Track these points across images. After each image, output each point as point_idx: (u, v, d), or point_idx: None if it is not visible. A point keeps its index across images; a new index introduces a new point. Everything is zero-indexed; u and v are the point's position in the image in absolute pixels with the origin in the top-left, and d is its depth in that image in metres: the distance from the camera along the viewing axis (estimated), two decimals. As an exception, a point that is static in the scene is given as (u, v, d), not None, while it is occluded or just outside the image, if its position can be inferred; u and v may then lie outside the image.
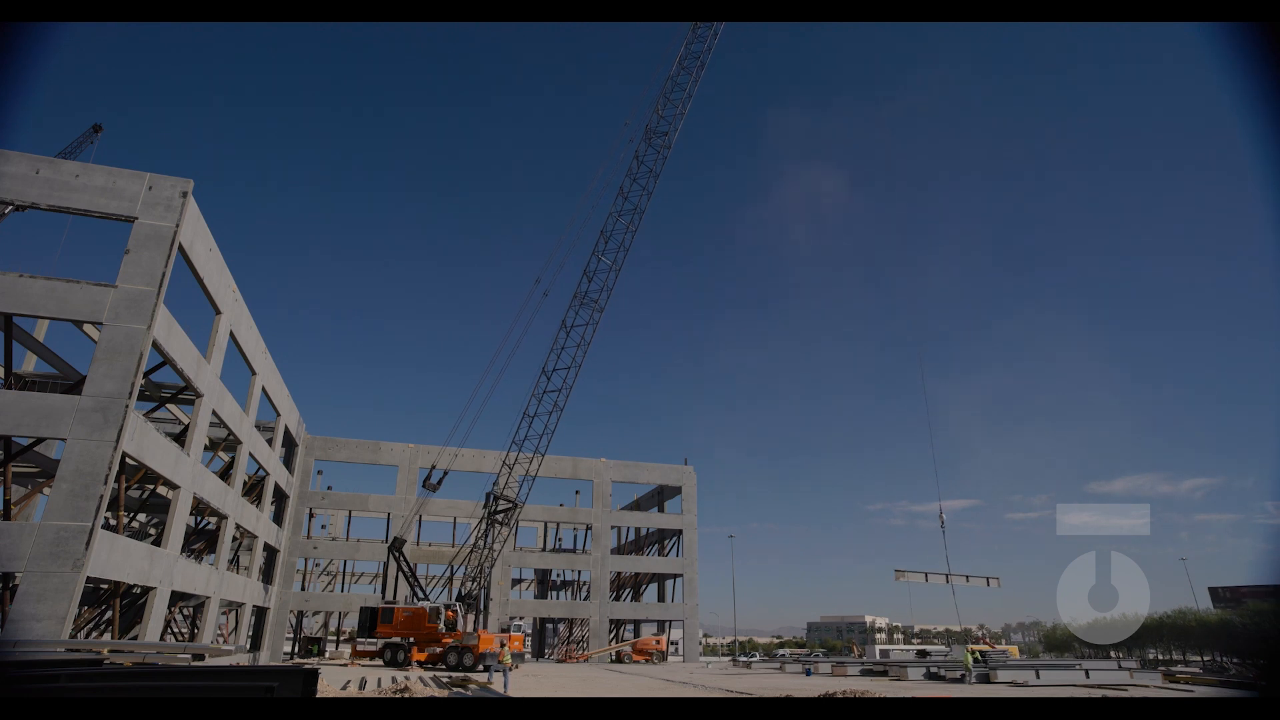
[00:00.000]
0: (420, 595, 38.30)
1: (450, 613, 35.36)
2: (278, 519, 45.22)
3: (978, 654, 33.41)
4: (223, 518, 31.92)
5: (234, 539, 36.48)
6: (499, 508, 37.40)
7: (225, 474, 33.24)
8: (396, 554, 38.78)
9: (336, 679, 23.04)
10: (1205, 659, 53.84)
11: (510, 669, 20.50)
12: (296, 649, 53.69)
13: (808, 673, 37.74)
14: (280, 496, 44.96)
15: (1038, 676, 30.74)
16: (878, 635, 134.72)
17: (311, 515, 55.47)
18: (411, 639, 34.73)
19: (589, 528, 55.98)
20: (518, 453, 37.02)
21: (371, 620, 36.51)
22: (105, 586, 27.40)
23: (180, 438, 28.51)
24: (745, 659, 73.56)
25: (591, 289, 36.96)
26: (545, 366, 37.13)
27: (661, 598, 63.14)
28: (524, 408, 37.23)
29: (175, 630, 38.78)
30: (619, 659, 52.06)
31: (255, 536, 38.42)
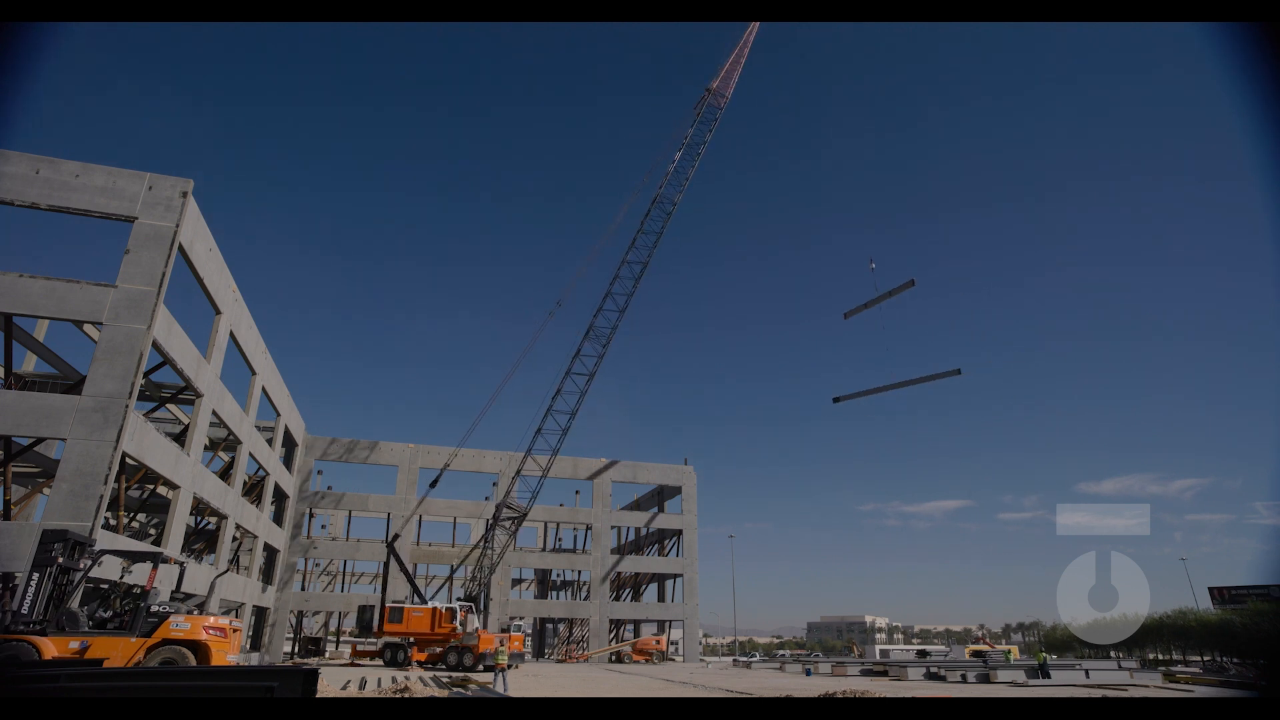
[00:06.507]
0: (416, 593, 38.29)
1: (463, 612, 35.59)
2: (278, 519, 45.23)
3: (1044, 657, 33.55)
4: (223, 518, 31.93)
5: (234, 539, 36.49)
6: (505, 516, 38.04)
7: (225, 474, 33.25)
8: (389, 547, 39.21)
9: (336, 679, 23.02)
10: (1205, 659, 53.80)
11: (503, 670, 20.46)
12: (296, 649, 53.68)
13: (808, 673, 37.73)
14: (280, 496, 44.98)
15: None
16: (878, 635, 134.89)
17: (311, 515, 55.45)
18: (412, 639, 34.72)
19: (589, 528, 55.98)
20: (524, 455, 37.76)
21: (373, 620, 36.47)
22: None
23: (180, 438, 28.54)
24: (745, 659, 73.63)
25: (611, 301, 40.19)
26: (560, 385, 39.08)
27: (661, 598, 63.13)
28: (538, 425, 39.30)
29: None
30: (619, 659, 52.04)
31: (255, 536, 38.44)
